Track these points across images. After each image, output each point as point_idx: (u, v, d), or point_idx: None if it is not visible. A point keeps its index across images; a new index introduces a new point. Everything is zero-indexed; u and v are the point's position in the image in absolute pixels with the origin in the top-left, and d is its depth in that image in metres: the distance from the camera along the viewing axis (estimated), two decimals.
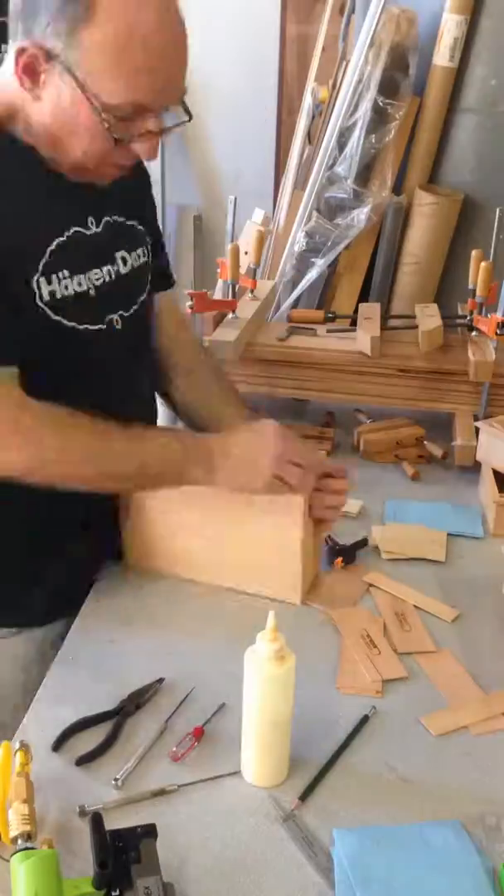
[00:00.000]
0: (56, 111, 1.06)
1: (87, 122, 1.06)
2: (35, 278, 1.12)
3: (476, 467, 1.66)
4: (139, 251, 1.31)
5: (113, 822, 0.91)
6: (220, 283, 2.21)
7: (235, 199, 2.04)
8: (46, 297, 1.13)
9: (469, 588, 1.38)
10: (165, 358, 1.45)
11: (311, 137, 2.50)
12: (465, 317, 1.92)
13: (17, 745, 0.94)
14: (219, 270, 1.96)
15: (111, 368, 1.26)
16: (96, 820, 0.86)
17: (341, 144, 2.34)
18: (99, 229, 1.22)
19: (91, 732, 1.05)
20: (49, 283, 1.13)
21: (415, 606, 1.33)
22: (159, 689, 1.12)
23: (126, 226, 1.28)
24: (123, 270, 1.26)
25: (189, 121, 1.16)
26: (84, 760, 1.01)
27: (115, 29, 1.01)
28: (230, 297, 1.91)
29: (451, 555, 1.46)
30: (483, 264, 1.86)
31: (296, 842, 0.92)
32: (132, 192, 1.29)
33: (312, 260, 2.34)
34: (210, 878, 0.87)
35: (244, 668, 0.96)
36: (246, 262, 2.05)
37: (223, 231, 2.12)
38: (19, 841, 0.84)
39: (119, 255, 1.26)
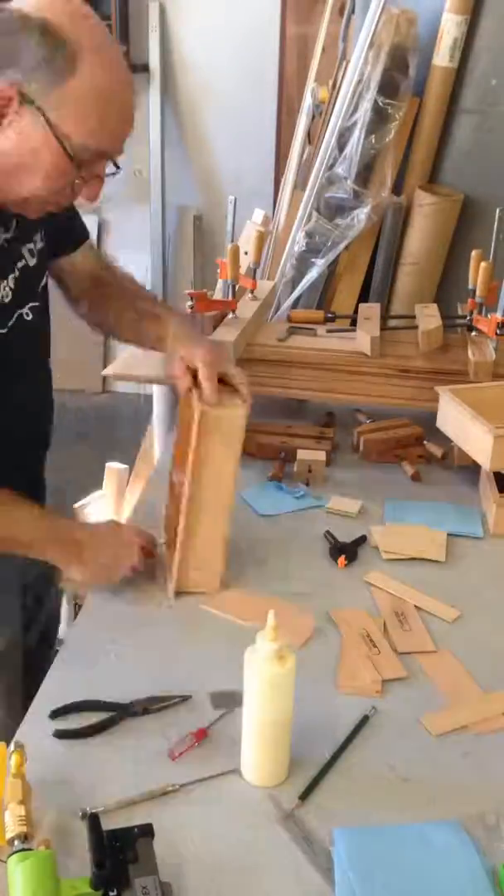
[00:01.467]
0: (17, 150, 1.11)
1: (48, 162, 1.12)
2: None
3: (476, 467, 1.66)
4: (39, 235, 1.34)
5: (113, 823, 0.91)
6: (220, 283, 2.21)
7: (235, 199, 2.04)
8: None
9: (469, 588, 1.38)
10: (79, 294, 1.49)
11: (311, 138, 2.50)
12: (464, 317, 1.92)
13: (13, 747, 0.94)
14: (219, 270, 1.96)
15: (22, 357, 1.30)
16: (93, 820, 0.86)
17: (341, 145, 2.34)
18: (9, 234, 1.25)
19: (92, 716, 1.06)
20: None
21: (415, 606, 1.33)
22: (179, 703, 1.11)
23: (31, 220, 1.30)
24: (31, 262, 1.31)
25: (118, 172, 1.23)
26: (64, 735, 1.03)
27: (95, 83, 1.09)
28: (230, 298, 1.91)
29: (451, 555, 1.47)
30: (483, 264, 1.86)
31: (296, 842, 0.92)
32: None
33: (312, 260, 2.34)
34: (210, 877, 0.87)
35: (244, 668, 0.96)
36: (246, 262, 2.05)
37: (223, 231, 2.11)
38: (16, 842, 0.84)
39: (27, 248, 1.30)
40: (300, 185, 2.46)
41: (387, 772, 1.02)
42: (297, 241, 2.36)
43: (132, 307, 1.49)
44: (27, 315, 1.29)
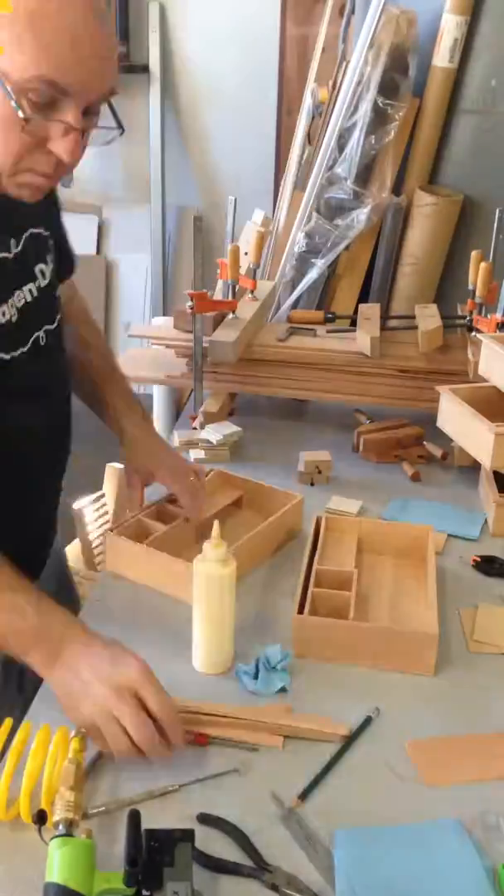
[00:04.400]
0: None
1: None
2: None
3: (476, 467, 1.66)
4: (50, 256, 1.23)
5: (113, 823, 0.92)
6: (220, 283, 2.21)
7: (235, 199, 2.04)
8: None
9: (470, 588, 1.38)
10: None
11: (311, 138, 2.50)
12: (464, 317, 1.93)
13: (74, 733, 0.95)
14: (219, 271, 1.97)
15: (37, 383, 1.20)
16: (133, 817, 0.86)
17: (341, 145, 2.34)
18: (19, 248, 1.13)
19: None
20: None
21: None
22: None
23: (43, 236, 1.20)
24: (43, 283, 1.19)
25: (121, 133, 1.02)
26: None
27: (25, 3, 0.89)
28: (230, 298, 1.91)
29: (451, 555, 1.46)
30: (483, 265, 1.86)
31: (296, 842, 0.92)
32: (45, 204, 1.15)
33: (312, 260, 2.34)
34: (211, 877, 0.87)
35: (194, 573, 1.12)
36: (246, 262, 2.06)
37: (223, 231, 2.12)
38: (60, 826, 0.85)
39: (38, 268, 1.18)
40: (300, 185, 2.46)
41: (387, 772, 1.02)
42: (297, 242, 2.36)
43: (94, 376, 1.43)
44: (42, 339, 1.19)
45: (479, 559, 1.43)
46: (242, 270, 1.98)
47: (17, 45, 0.90)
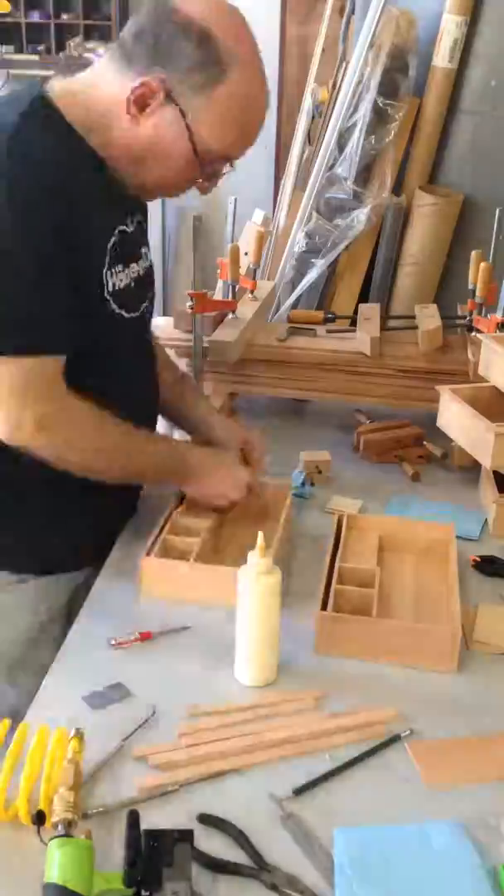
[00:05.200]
0: (153, 139, 1.18)
1: (180, 157, 1.19)
2: (104, 272, 1.23)
3: (476, 467, 1.66)
4: (147, 245, 1.43)
5: (112, 823, 0.91)
6: (220, 283, 2.21)
7: (236, 199, 2.04)
8: (111, 288, 1.25)
9: (470, 587, 1.38)
10: None
11: (311, 138, 2.51)
12: (464, 317, 1.92)
13: (73, 732, 0.95)
14: (219, 271, 1.97)
15: (141, 351, 1.40)
16: (133, 818, 0.86)
17: (341, 145, 2.35)
18: (132, 228, 1.33)
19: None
20: (112, 276, 1.25)
21: None
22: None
23: (144, 225, 1.41)
24: (145, 264, 1.38)
25: (232, 169, 1.30)
26: None
27: (239, 95, 1.17)
28: (230, 298, 1.91)
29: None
30: (483, 265, 1.86)
31: (296, 842, 0.92)
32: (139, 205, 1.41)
33: (312, 260, 2.34)
34: (212, 877, 0.87)
35: (238, 583, 1.11)
36: (246, 262, 2.05)
37: (223, 232, 2.12)
38: (59, 827, 0.85)
39: (143, 250, 1.38)
40: (300, 185, 2.46)
41: (387, 772, 1.02)
42: (297, 242, 2.36)
43: (180, 380, 1.59)
44: (147, 311, 1.39)
45: (479, 559, 1.43)
46: (242, 270, 1.98)
47: (218, 125, 1.18)
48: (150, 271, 1.40)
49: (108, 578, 1.35)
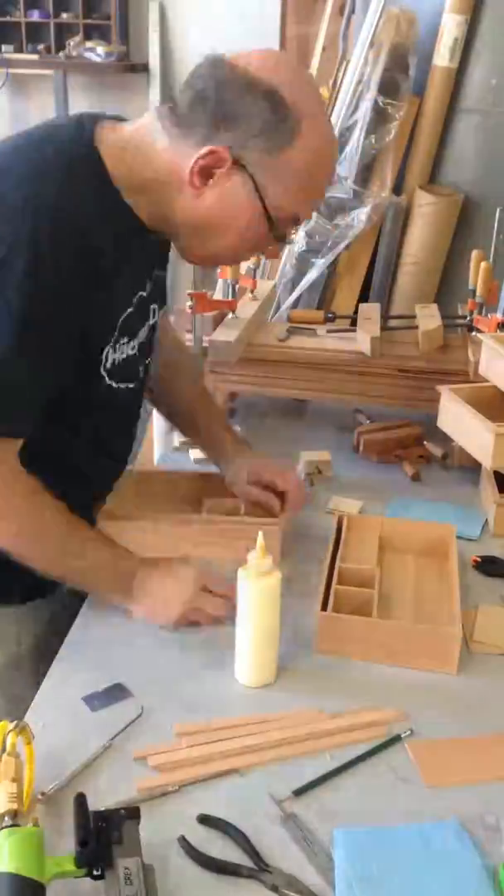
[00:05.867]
0: (222, 208, 1.10)
1: (250, 225, 1.11)
2: (107, 349, 1.15)
3: (476, 467, 1.66)
4: (164, 295, 1.34)
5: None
6: (220, 283, 2.21)
7: None
8: (108, 364, 1.17)
9: (470, 587, 1.38)
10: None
11: None
12: (465, 317, 1.92)
13: (12, 726, 0.94)
14: (219, 270, 1.97)
15: (130, 411, 1.33)
16: (80, 800, 0.87)
17: (341, 145, 2.34)
18: (149, 289, 1.24)
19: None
20: (114, 351, 1.17)
21: None
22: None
23: (162, 278, 1.30)
24: (152, 322, 1.29)
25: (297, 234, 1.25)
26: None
27: (310, 155, 1.08)
28: (230, 298, 1.91)
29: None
30: (483, 264, 1.86)
31: (296, 842, 0.92)
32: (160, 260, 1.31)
33: (312, 260, 2.34)
34: (210, 878, 0.87)
35: (237, 583, 1.11)
36: (246, 262, 2.05)
37: None
38: (5, 818, 0.86)
39: (153, 307, 1.28)
40: None
41: (387, 772, 1.02)
42: (297, 241, 2.36)
43: (198, 395, 1.53)
44: (142, 372, 1.29)
45: (479, 559, 1.43)
46: (242, 270, 1.98)
47: (291, 187, 1.10)
48: (155, 328, 1.30)
49: None
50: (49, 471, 1.13)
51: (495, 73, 2.30)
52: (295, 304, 2.37)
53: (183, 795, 0.97)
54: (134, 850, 0.83)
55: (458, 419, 1.59)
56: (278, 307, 2.33)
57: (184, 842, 0.90)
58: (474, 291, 1.89)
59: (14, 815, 0.86)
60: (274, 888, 0.86)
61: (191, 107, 1.07)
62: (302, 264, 2.36)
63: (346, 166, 2.31)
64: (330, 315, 2.08)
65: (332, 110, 2.35)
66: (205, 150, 1.06)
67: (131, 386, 1.25)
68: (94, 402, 1.19)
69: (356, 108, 2.32)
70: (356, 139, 2.30)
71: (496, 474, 1.57)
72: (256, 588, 1.11)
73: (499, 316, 1.79)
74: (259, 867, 0.88)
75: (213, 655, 1.19)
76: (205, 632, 1.23)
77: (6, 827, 0.84)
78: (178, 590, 1.22)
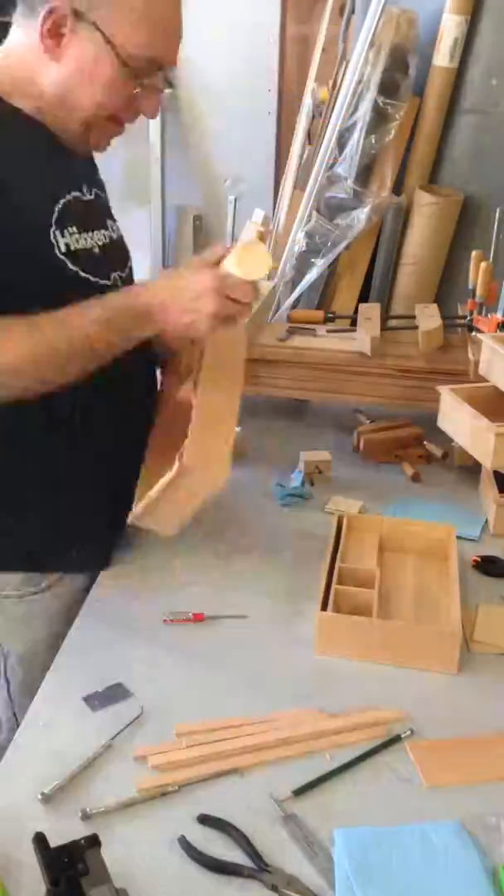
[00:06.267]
0: (77, 67, 1.14)
1: (107, 74, 1.14)
2: (51, 231, 1.18)
3: (476, 467, 1.66)
4: (117, 223, 1.38)
5: (114, 824, 0.91)
6: None
7: (236, 199, 2.04)
8: (63, 248, 1.19)
9: (470, 587, 1.38)
10: None
11: (311, 138, 2.50)
12: (465, 317, 1.92)
13: None
14: None
15: None
16: (40, 840, 0.85)
17: (341, 145, 2.34)
18: (91, 196, 1.29)
19: None
20: (62, 236, 1.19)
21: None
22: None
23: (104, 198, 1.36)
24: (114, 236, 1.33)
25: (171, 89, 1.24)
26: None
27: None
28: None
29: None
30: (483, 265, 1.86)
31: (296, 842, 0.92)
32: (97, 173, 1.37)
33: (312, 260, 2.34)
34: (210, 878, 0.87)
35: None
36: None
37: (223, 231, 2.12)
38: None
39: (108, 222, 1.33)
40: (300, 185, 2.46)
41: (387, 772, 1.02)
42: (297, 241, 2.35)
43: None
44: (119, 281, 1.29)
45: (479, 559, 1.43)
46: None
47: (134, 25, 1.13)
48: (120, 243, 1.35)
49: (109, 577, 1.35)
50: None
51: (495, 74, 2.29)
52: (295, 304, 2.37)
53: (183, 795, 0.97)
54: (102, 877, 0.82)
55: (458, 419, 1.59)
56: (278, 307, 2.32)
57: (184, 842, 0.90)
58: (474, 291, 1.89)
59: None
60: (274, 888, 0.86)
61: None
62: (302, 264, 2.35)
63: (346, 166, 2.31)
64: (330, 315, 2.08)
65: (332, 110, 2.35)
66: (44, 10, 1.11)
67: (107, 283, 1.25)
68: (76, 297, 1.15)
69: (356, 108, 2.31)
70: (356, 139, 2.30)
71: (496, 474, 1.57)
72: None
73: (499, 316, 1.79)
74: (259, 867, 0.88)
75: (213, 655, 1.19)
76: (207, 633, 1.23)
77: None
78: (200, 280, 1.17)
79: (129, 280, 1.35)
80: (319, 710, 1.09)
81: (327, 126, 2.37)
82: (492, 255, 1.93)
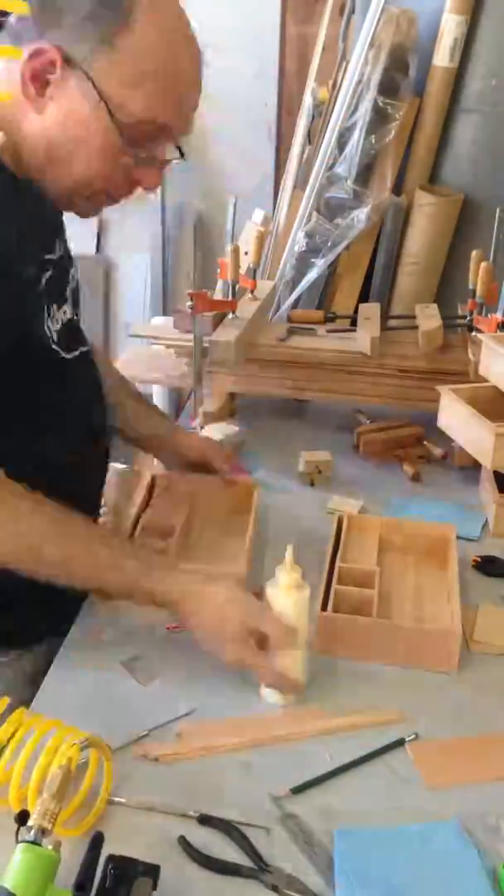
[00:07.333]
0: (65, 123, 0.97)
1: (99, 136, 0.97)
2: (45, 319, 1.06)
3: (476, 467, 1.66)
4: (74, 283, 1.23)
5: (114, 825, 0.91)
6: (220, 283, 2.21)
7: (236, 199, 2.04)
8: (56, 337, 1.08)
9: (470, 587, 1.38)
10: None
11: (311, 137, 2.50)
12: (465, 317, 1.92)
13: (80, 740, 0.90)
14: (219, 270, 1.96)
15: (87, 392, 1.22)
16: (96, 840, 0.83)
17: (341, 145, 2.34)
18: (61, 252, 1.15)
19: None
20: (54, 322, 1.08)
21: None
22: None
23: (66, 243, 1.22)
24: (73, 285, 1.20)
25: (182, 159, 1.06)
26: None
27: (151, 41, 0.94)
28: (230, 298, 1.91)
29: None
30: (483, 265, 1.86)
31: (296, 842, 0.92)
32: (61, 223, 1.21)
33: (312, 260, 2.34)
34: (210, 878, 0.87)
35: (267, 599, 1.08)
36: (246, 262, 2.05)
37: (223, 231, 2.12)
38: (32, 832, 0.80)
39: (71, 272, 1.19)
40: (300, 185, 2.46)
41: (387, 772, 1.02)
42: (297, 241, 2.35)
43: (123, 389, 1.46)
44: (86, 354, 1.20)
45: (479, 559, 1.43)
46: (242, 270, 1.98)
47: (133, 82, 0.94)
48: (77, 290, 1.21)
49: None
50: (40, 470, 1.04)
51: (495, 74, 2.29)
52: (295, 304, 2.36)
53: (183, 795, 0.97)
54: None
55: (458, 419, 1.59)
56: (278, 307, 2.32)
57: (184, 842, 0.90)
58: (474, 291, 1.89)
59: (42, 832, 0.80)
60: (274, 888, 0.86)
61: (17, 18, 0.94)
62: (302, 264, 2.35)
63: (346, 166, 2.31)
64: (330, 315, 2.08)
65: (332, 110, 2.35)
66: (31, 49, 0.93)
67: (85, 350, 1.17)
68: (55, 381, 1.09)
69: (356, 108, 2.31)
70: (356, 139, 2.30)
71: (496, 474, 1.57)
72: (286, 603, 1.08)
73: (499, 316, 1.79)
74: (259, 867, 0.88)
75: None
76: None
77: (28, 842, 0.80)
78: (240, 630, 1.05)
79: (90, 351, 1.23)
80: (319, 710, 1.09)
81: (327, 126, 2.37)
82: (492, 255, 1.93)
